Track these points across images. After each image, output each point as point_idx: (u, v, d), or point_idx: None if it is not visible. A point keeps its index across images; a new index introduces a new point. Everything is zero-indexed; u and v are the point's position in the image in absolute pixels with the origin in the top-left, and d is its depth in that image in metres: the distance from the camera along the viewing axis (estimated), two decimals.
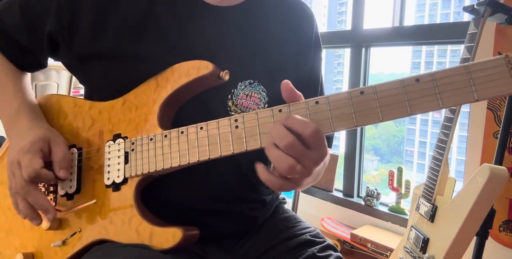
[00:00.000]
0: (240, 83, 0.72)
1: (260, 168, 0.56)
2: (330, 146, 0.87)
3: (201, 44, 0.71)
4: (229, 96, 0.71)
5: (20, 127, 0.72)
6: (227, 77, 0.67)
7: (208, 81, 0.68)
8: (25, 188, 0.65)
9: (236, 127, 0.59)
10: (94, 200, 0.69)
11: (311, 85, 0.84)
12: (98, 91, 0.75)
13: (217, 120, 0.61)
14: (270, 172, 0.56)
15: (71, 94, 2.45)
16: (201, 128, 0.62)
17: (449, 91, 0.50)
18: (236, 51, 0.73)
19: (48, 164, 0.68)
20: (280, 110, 0.57)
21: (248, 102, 0.72)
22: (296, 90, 0.57)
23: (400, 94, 0.52)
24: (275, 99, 0.74)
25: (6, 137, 0.79)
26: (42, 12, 0.72)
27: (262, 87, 0.73)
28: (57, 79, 2.57)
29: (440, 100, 0.50)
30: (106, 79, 0.72)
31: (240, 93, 0.72)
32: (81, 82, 0.78)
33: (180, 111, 0.70)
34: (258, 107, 0.73)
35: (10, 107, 0.75)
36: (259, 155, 0.76)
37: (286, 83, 0.57)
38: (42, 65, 0.83)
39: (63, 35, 0.71)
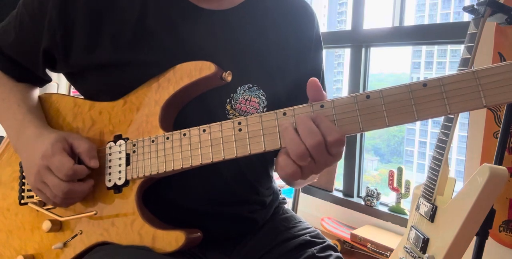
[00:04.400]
0: (239, 88, 0.72)
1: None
2: None
3: (197, 49, 0.70)
4: (228, 100, 0.71)
5: (28, 136, 0.71)
6: (229, 78, 0.67)
7: (210, 82, 0.67)
8: (65, 188, 0.64)
9: (240, 130, 0.59)
10: (95, 212, 0.69)
11: None
12: (96, 98, 0.74)
13: (220, 122, 0.61)
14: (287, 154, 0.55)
15: (71, 94, 2.45)
16: (204, 130, 0.62)
17: (457, 97, 0.49)
18: (235, 55, 0.73)
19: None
20: (284, 113, 0.57)
21: (247, 106, 0.72)
22: (323, 90, 0.57)
23: (407, 99, 0.51)
24: (274, 102, 0.74)
25: (5, 136, 0.79)
26: (35, 30, 0.72)
27: (262, 91, 0.73)
28: (57, 79, 2.57)
29: (447, 106, 0.49)
30: (104, 87, 0.72)
31: (239, 98, 0.71)
32: (78, 90, 0.78)
33: (178, 114, 0.70)
34: (256, 112, 0.73)
35: (15, 118, 0.74)
36: (259, 157, 0.76)
37: (314, 81, 0.56)
38: (45, 80, 0.83)
39: (58, 50, 0.71)
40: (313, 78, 0.56)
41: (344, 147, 0.55)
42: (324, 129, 0.53)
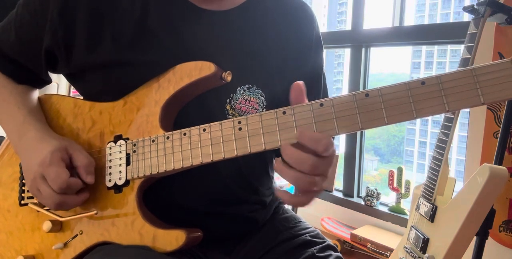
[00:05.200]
0: (239, 88, 0.72)
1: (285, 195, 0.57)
2: None
3: (197, 49, 0.70)
4: (228, 100, 0.71)
5: (28, 139, 0.71)
6: (229, 78, 0.67)
7: (210, 82, 0.67)
8: (58, 200, 0.65)
9: (240, 129, 0.59)
10: (95, 211, 0.69)
11: (312, 86, 0.84)
12: (97, 98, 0.74)
13: (220, 122, 0.61)
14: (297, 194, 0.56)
15: (71, 95, 2.45)
16: (204, 130, 0.62)
17: (455, 95, 0.49)
18: (235, 55, 0.73)
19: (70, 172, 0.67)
20: (284, 112, 0.57)
21: (247, 106, 0.72)
22: (305, 94, 0.58)
23: (405, 97, 0.51)
24: (274, 103, 0.74)
25: (5, 137, 0.79)
26: (37, 30, 0.72)
27: (261, 91, 0.73)
28: (57, 79, 2.57)
29: (446, 104, 0.50)
30: (104, 87, 0.72)
31: (239, 98, 0.72)
32: (79, 90, 0.78)
33: (178, 114, 0.70)
34: (256, 112, 0.73)
35: (15, 120, 0.74)
36: (259, 157, 0.77)
37: (298, 85, 0.58)
38: (45, 81, 0.83)
39: (60, 50, 0.71)
40: (298, 81, 0.58)
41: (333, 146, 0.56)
42: (312, 143, 0.54)
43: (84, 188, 0.68)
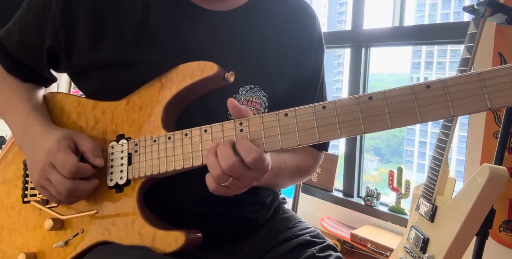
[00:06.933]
0: (241, 88, 0.72)
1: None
2: (326, 149, 0.87)
3: (199, 49, 0.71)
4: None
5: (33, 134, 0.71)
6: (232, 79, 0.67)
7: (213, 82, 0.67)
8: (69, 186, 0.65)
9: (241, 130, 0.59)
10: (95, 210, 0.69)
11: (311, 86, 0.84)
12: (98, 98, 0.75)
13: (221, 123, 0.61)
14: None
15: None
16: (205, 131, 0.62)
17: (461, 99, 0.48)
18: (236, 55, 0.73)
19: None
20: (286, 114, 0.56)
21: (248, 107, 0.72)
22: (240, 106, 0.59)
23: (410, 100, 0.50)
24: (275, 103, 0.74)
25: (6, 137, 0.79)
26: (40, 30, 0.73)
27: (263, 92, 0.73)
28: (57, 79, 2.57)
29: (451, 108, 0.48)
30: (106, 87, 0.72)
31: (241, 98, 0.72)
32: (82, 90, 0.79)
33: (181, 114, 0.70)
34: (258, 113, 0.73)
35: (20, 116, 0.75)
36: None
37: (231, 101, 0.59)
38: (50, 80, 0.84)
39: (62, 50, 0.72)
40: (230, 99, 0.59)
41: (269, 162, 0.57)
42: (243, 151, 0.55)
43: (93, 174, 0.68)
